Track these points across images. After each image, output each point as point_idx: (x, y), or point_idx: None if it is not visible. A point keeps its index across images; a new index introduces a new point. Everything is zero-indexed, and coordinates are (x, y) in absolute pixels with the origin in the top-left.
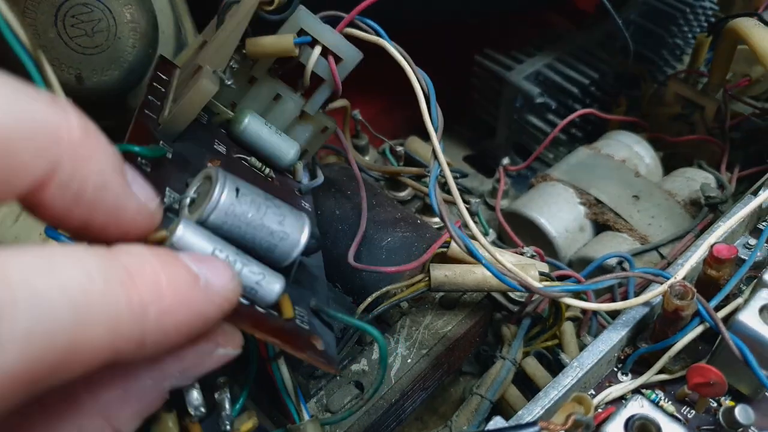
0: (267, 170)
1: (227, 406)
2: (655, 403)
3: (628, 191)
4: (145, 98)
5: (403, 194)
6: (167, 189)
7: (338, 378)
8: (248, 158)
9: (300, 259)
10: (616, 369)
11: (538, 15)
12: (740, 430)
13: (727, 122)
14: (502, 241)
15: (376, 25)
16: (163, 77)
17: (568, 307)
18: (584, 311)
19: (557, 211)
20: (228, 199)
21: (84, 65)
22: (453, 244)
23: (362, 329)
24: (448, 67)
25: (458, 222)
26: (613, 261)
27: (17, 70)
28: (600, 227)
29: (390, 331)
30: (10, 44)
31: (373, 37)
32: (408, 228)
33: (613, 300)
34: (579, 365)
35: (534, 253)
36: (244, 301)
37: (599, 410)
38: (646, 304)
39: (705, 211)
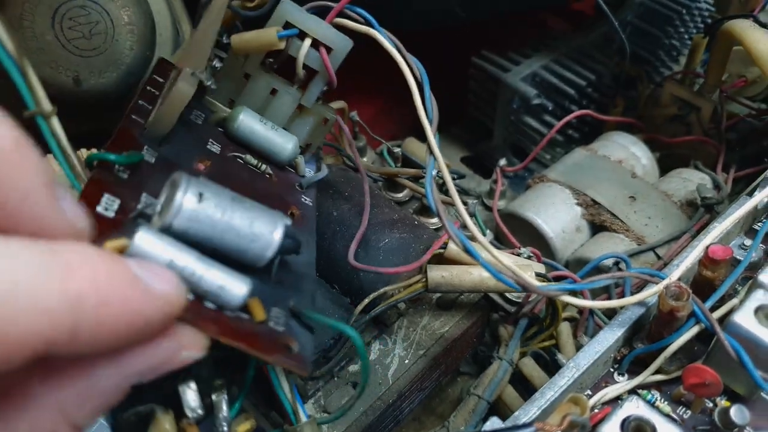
0: (264, 167)
1: (224, 407)
2: (651, 404)
3: (624, 192)
4: (134, 102)
5: (400, 195)
6: (144, 195)
7: (336, 379)
8: (243, 156)
9: (284, 258)
10: (612, 369)
11: (536, 17)
12: (736, 430)
13: (723, 123)
14: (499, 242)
15: (366, 14)
16: (160, 80)
17: (565, 307)
18: (581, 312)
19: (554, 212)
20: (190, 204)
21: (82, 67)
22: (450, 245)
23: (338, 329)
24: (446, 69)
25: (456, 222)
26: (609, 261)
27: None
28: (597, 228)
29: (387, 332)
30: None
31: (363, 27)
32: (405, 229)
33: (609, 300)
34: (575, 366)
35: (531, 254)
36: (211, 306)
37: (596, 411)
38: (641, 304)
39: (701, 212)
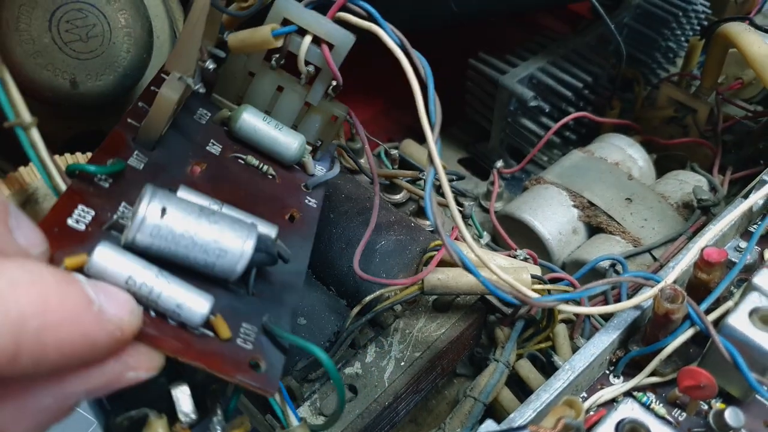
0: (266, 168)
1: (219, 411)
2: (647, 406)
3: (621, 194)
4: (133, 105)
5: (398, 197)
6: (122, 204)
7: (331, 381)
8: (245, 157)
9: (268, 269)
10: (607, 372)
11: (533, 18)
12: None
13: (720, 125)
14: (496, 243)
15: (370, 8)
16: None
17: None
18: (578, 314)
19: (551, 214)
20: (152, 220)
21: (78, 70)
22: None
23: (309, 351)
24: (443, 71)
25: (454, 230)
26: (605, 263)
27: None
28: (593, 230)
29: (384, 334)
30: None
31: (366, 23)
32: (402, 231)
33: (606, 303)
34: (570, 368)
35: (527, 256)
36: (174, 324)
37: (591, 413)
38: (637, 307)
39: (697, 214)
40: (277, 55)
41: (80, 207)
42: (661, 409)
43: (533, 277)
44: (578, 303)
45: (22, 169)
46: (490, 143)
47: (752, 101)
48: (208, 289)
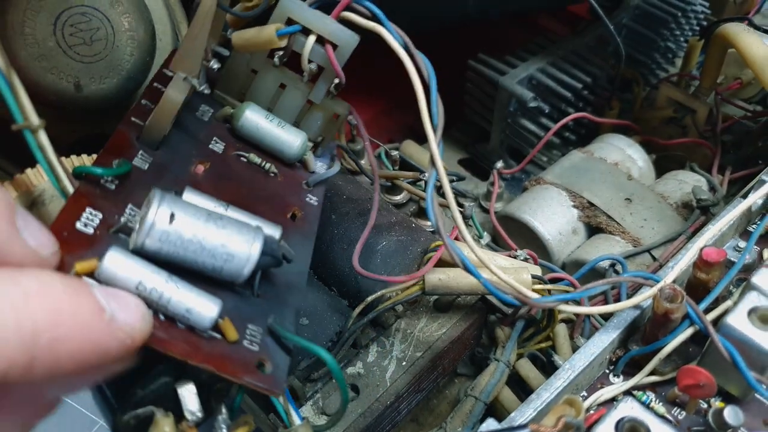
0: (268, 166)
1: (224, 410)
2: (646, 405)
3: (620, 194)
4: (137, 103)
5: (398, 198)
6: (129, 206)
7: (334, 381)
8: (247, 155)
9: (271, 270)
10: (607, 371)
11: (533, 19)
12: (729, 431)
13: (719, 125)
14: (497, 243)
15: (374, 8)
16: (169, 75)
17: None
18: (578, 314)
19: (550, 214)
20: (161, 225)
21: (82, 73)
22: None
23: (313, 352)
24: (442, 72)
25: (454, 230)
26: (605, 263)
27: None
28: (593, 230)
29: (385, 334)
30: None
31: (370, 23)
32: (403, 232)
33: (605, 302)
34: (570, 368)
35: (527, 257)
36: (182, 327)
37: (591, 412)
38: (636, 306)
39: (697, 214)
40: (281, 53)
41: (88, 210)
42: (660, 407)
43: (533, 277)
44: (578, 303)
45: (28, 171)
46: (490, 144)
47: (751, 101)
48: (214, 291)
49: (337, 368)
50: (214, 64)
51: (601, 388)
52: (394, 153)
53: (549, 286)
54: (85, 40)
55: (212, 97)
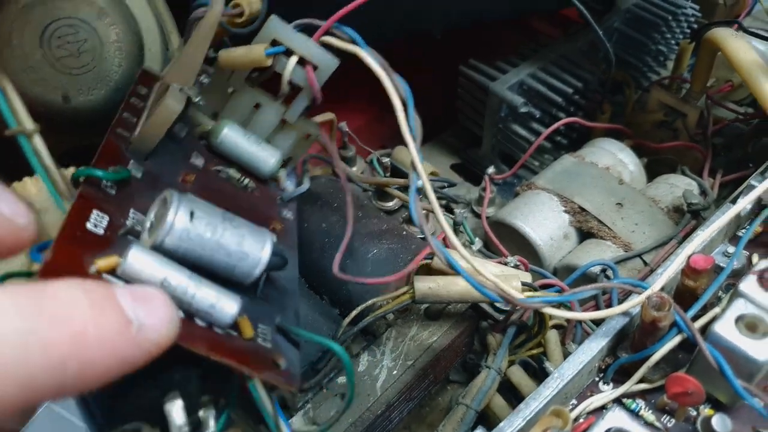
0: (246, 181)
1: (212, 422)
2: (635, 413)
3: (611, 199)
4: (119, 116)
5: (390, 204)
6: (131, 211)
7: (325, 391)
8: (227, 170)
9: (269, 274)
10: (597, 379)
11: (527, 22)
12: None
13: (710, 128)
14: (489, 249)
15: (353, 33)
16: (143, 92)
17: (552, 315)
18: (569, 319)
19: (542, 220)
20: (182, 223)
21: (70, 85)
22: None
23: (325, 345)
24: (437, 76)
25: (441, 234)
26: (596, 269)
27: None
28: (584, 235)
29: (376, 343)
30: None
31: (350, 46)
32: (394, 239)
33: (597, 308)
34: (560, 376)
35: (518, 263)
36: (201, 324)
37: (581, 420)
38: (625, 314)
39: (688, 218)
40: (257, 74)
41: (95, 212)
42: (650, 415)
43: (523, 284)
44: (566, 307)
45: (16, 184)
46: (482, 149)
47: (742, 103)
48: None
49: (349, 362)
50: (204, 78)
51: (591, 396)
52: (386, 160)
53: (539, 293)
54: (72, 52)
55: (186, 113)
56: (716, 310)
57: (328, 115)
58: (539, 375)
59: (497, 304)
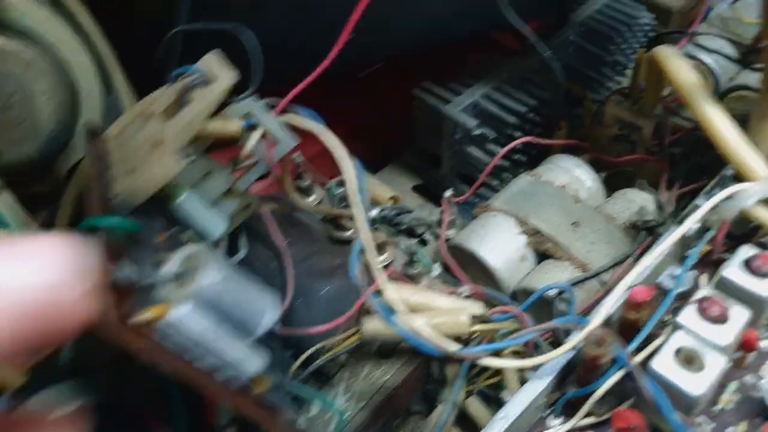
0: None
1: None
2: None
3: (567, 218)
4: (93, 171)
5: (347, 234)
6: (147, 264)
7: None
8: (186, 232)
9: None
10: (544, 415)
11: (487, 35)
12: None
13: (667, 139)
14: (450, 273)
15: (311, 113)
16: (97, 150)
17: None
18: (527, 344)
19: (498, 242)
20: (215, 278)
21: (1, 140)
22: (386, 292)
23: (315, 399)
24: (398, 96)
25: (376, 283)
26: (552, 293)
27: None
28: (542, 256)
29: (329, 385)
30: None
31: (310, 125)
32: (345, 276)
33: (555, 336)
34: (505, 416)
35: (470, 294)
36: (220, 377)
37: None
38: (567, 352)
39: (643, 235)
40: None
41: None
42: None
43: (473, 317)
44: (521, 324)
45: None
46: (442, 170)
47: None
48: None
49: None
50: None
51: None
52: (341, 189)
53: (489, 326)
54: None
55: None
56: (659, 341)
57: None
58: (498, 404)
59: None
